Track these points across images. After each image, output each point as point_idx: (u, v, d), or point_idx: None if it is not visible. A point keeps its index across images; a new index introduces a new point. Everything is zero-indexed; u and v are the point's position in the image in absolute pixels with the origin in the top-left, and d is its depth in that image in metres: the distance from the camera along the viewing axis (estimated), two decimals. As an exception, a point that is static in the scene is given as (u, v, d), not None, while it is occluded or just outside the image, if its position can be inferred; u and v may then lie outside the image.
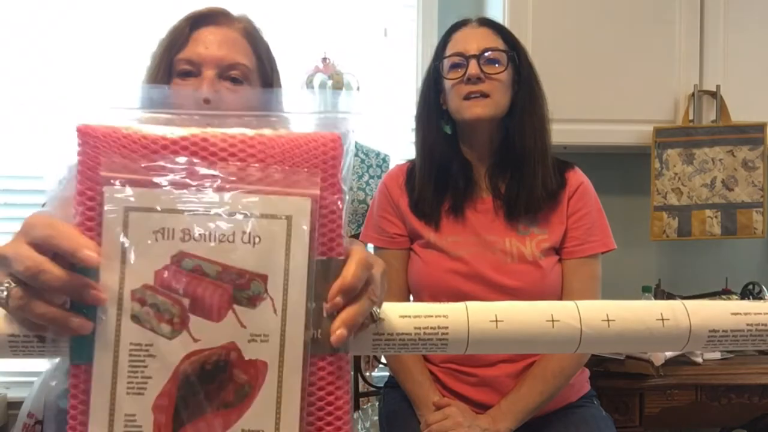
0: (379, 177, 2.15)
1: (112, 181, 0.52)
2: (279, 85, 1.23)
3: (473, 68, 1.33)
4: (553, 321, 0.55)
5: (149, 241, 0.51)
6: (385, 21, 2.36)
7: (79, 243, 0.50)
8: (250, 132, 0.56)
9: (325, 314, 0.54)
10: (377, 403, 1.62)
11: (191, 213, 0.52)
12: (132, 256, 0.51)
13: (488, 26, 1.41)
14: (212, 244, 0.52)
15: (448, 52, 1.39)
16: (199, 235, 0.52)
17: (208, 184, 0.53)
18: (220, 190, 0.53)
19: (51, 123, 0.56)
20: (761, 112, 2.09)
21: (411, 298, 1.47)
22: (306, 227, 0.53)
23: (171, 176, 0.53)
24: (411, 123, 2.33)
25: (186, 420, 0.50)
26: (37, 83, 2.26)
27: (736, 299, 2.12)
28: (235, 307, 0.51)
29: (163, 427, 0.50)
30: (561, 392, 1.35)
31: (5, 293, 0.51)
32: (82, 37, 2.28)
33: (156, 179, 0.52)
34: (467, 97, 1.34)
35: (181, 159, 0.54)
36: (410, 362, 1.39)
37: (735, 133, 2.08)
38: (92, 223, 0.52)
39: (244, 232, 0.52)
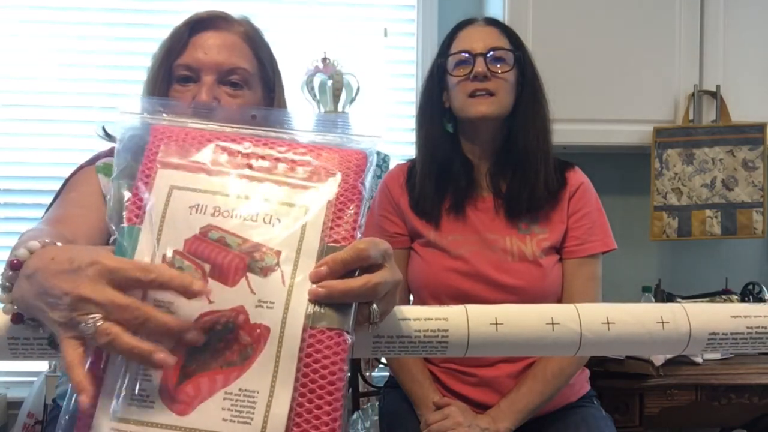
0: (380, 177, 2.15)
1: (165, 164, 0.62)
2: (281, 87, 1.21)
3: (480, 66, 1.33)
4: (553, 324, 0.55)
5: (185, 214, 0.59)
6: (385, 21, 2.36)
7: (184, 280, 0.54)
8: (286, 137, 0.66)
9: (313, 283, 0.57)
10: (377, 403, 1.62)
11: (224, 195, 0.60)
12: (168, 226, 0.59)
13: (494, 26, 1.41)
14: (237, 220, 0.59)
15: (453, 49, 1.39)
16: (227, 212, 0.60)
17: (244, 174, 0.62)
18: (252, 180, 0.62)
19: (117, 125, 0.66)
20: (761, 112, 2.09)
21: (411, 298, 1.47)
22: (321, 217, 0.60)
23: (213, 166, 0.62)
24: (411, 123, 2.33)
25: (191, 374, 0.55)
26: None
27: (736, 299, 2.12)
28: (249, 275, 0.57)
29: (170, 379, 0.54)
30: (561, 392, 1.35)
31: (93, 329, 0.52)
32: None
33: (201, 166, 0.62)
34: (473, 95, 1.34)
35: (224, 155, 0.63)
36: (410, 362, 1.39)
37: (735, 133, 2.08)
38: (144, 195, 0.60)
39: (266, 214, 0.60)
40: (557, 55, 2.02)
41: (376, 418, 1.57)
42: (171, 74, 1.10)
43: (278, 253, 0.58)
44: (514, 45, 1.39)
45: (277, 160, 0.63)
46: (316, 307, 0.56)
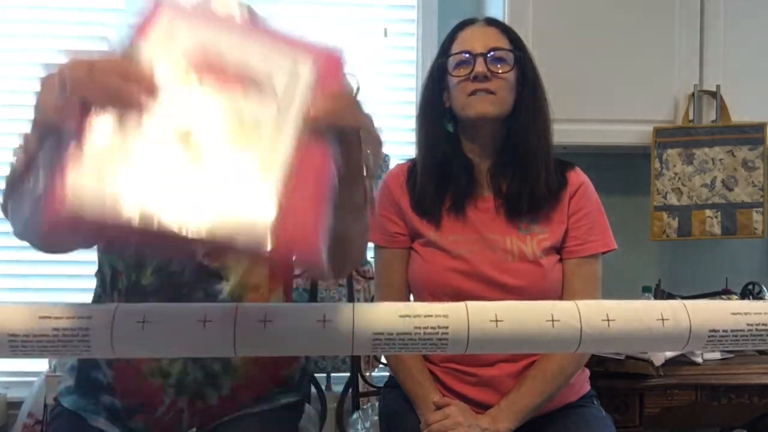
0: (379, 177, 2.15)
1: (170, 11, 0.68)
2: None
3: (480, 66, 1.34)
4: (553, 321, 0.55)
5: (186, 41, 0.65)
6: (385, 21, 2.36)
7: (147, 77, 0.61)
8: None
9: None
10: (377, 403, 1.62)
11: (228, 43, 0.66)
12: (169, 44, 0.65)
13: (495, 26, 1.41)
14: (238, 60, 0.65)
15: (454, 49, 1.39)
16: (225, 46, 0.66)
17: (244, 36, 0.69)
18: (253, 38, 0.68)
19: None
20: (761, 112, 2.09)
21: (411, 297, 1.47)
22: (307, 66, 0.68)
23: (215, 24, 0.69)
24: (411, 123, 2.33)
25: None
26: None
27: (736, 299, 2.12)
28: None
29: None
30: (560, 392, 1.35)
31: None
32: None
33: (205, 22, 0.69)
34: (473, 93, 1.35)
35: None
36: (410, 361, 1.39)
37: (735, 133, 2.08)
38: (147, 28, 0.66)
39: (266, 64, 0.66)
40: (557, 55, 2.02)
41: (376, 418, 1.57)
42: None
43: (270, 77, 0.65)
44: (514, 45, 1.39)
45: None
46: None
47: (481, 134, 1.40)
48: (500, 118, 1.37)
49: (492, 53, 1.35)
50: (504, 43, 1.38)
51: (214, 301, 1.15)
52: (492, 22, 1.43)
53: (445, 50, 1.42)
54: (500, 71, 1.35)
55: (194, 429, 1.25)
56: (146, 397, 1.17)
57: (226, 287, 1.17)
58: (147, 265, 1.15)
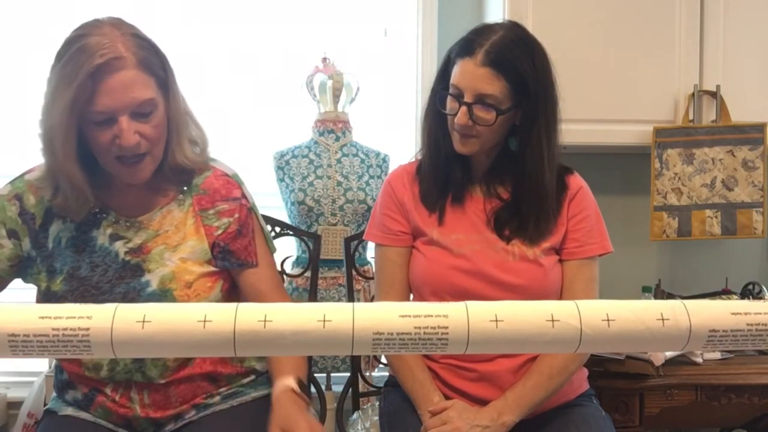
0: (379, 177, 2.16)
1: None
2: (172, 76, 1.24)
3: (462, 117, 1.31)
4: (553, 321, 0.55)
5: None
6: (385, 21, 2.36)
7: None
8: None
9: None
10: (377, 403, 1.62)
11: None
12: None
13: (491, 66, 1.30)
14: None
15: (451, 78, 1.35)
16: None
17: None
18: None
19: None
20: (761, 112, 2.09)
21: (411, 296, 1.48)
22: None
23: None
24: (411, 123, 2.34)
25: None
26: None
27: (736, 299, 2.12)
28: None
29: None
30: (560, 389, 1.36)
31: None
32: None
33: None
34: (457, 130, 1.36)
35: None
36: (411, 361, 1.39)
37: (735, 133, 2.08)
38: None
39: None
40: (557, 56, 2.00)
41: (376, 418, 1.57)
42: (83, 119, 1.14)
43: None
44: (513, 82, 1.32)
45: None
46: None
47: (475, 157, 1.41)
48: (485, 150, 1.38)
49: (477, 105, 1.31)
50: (496, 87, 1.30)
51: (138, 295, 1.22)
52: (489, 60, 1.30)
53: (442, 74, 1.40)
54: (483, 122, 1.32)
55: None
56: (94, 384, 1.26)
57: (153, 280, 1.23)
58: (57, 274, 1.23)
